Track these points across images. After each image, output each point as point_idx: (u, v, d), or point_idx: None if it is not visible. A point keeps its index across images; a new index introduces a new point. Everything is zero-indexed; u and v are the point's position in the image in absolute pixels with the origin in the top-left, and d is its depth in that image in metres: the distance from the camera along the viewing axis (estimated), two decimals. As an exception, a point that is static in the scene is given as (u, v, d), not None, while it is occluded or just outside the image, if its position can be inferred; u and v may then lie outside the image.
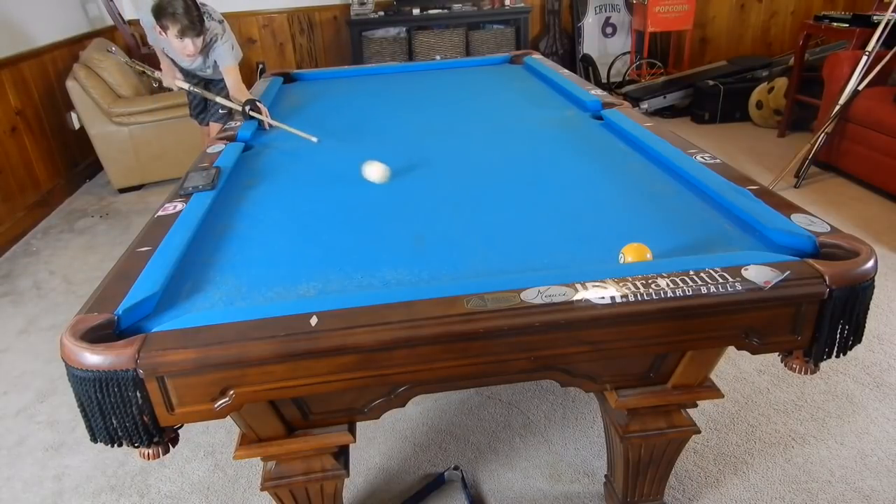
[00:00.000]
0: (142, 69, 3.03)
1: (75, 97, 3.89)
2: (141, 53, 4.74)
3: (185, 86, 2.92)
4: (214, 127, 3.19)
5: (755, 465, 1.77)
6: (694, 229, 1.30)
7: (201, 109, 3.27)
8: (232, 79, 2.72)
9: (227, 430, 2.00)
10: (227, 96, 2.68)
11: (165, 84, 2.99)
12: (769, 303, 1.03)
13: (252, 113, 2.27)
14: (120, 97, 4.03)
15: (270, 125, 2.24)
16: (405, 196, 1.59)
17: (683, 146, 1.67)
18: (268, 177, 1.79)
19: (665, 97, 4.91)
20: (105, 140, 4.03)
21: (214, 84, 3.09)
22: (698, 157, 1.57)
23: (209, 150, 1.93)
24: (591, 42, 5.61)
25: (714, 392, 1.33)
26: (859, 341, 1.10)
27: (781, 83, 4.48)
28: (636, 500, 1.57)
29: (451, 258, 1.25)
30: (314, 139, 2.04)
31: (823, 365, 1.39)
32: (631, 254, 1.15)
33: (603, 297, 1.00)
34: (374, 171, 1.63)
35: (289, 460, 1.28)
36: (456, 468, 1.77)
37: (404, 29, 5.34)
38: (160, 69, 3.04)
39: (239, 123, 2.25)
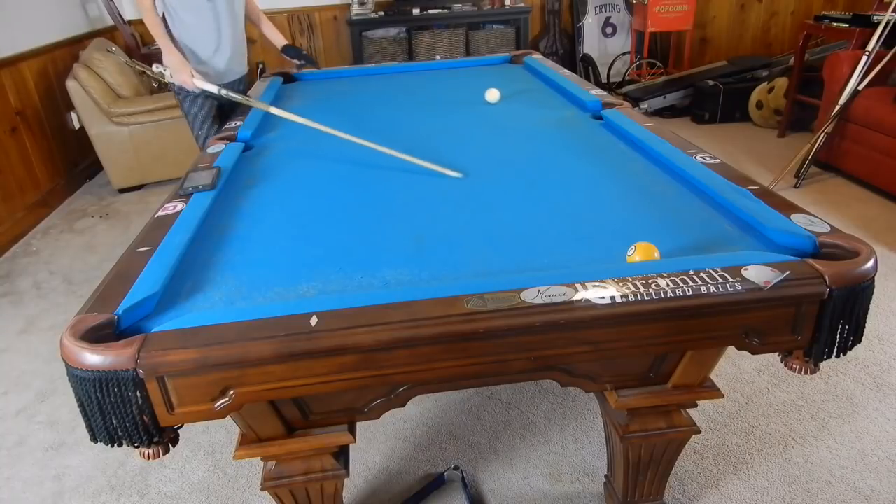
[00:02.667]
0: (142, 69, 2.97)
1: (75, 97, 3.89)
2: (141, 53, 4.74)
3: (203, 86, 2.52)
4: None
5: (755, 465, 1.77)
6: (694, 229, 1.30)
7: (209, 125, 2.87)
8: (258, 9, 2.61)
9: (227, 430, 2.00)
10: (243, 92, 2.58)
11: (189, 86, 2.72)
12: (769, 303, 1.03)
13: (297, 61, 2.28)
14: (120, 97, 4.03)
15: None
16: (405, 196, 1.59)
17: (683, 146, 1.66)
18: (268, 177, 1.79)
19: (665, 97, 4.91)
20: (105, 140, 4.03)
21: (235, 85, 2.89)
22: (698, 157, 1.57)
23: (209, 150, 1.93)
24: (591, 42, 5.61)
25: (714, 392, 1.33)
26: (859, 341, 1.10)
27: (781, 83, 4.48)
28: (636, 500, 1.57)
29: (452, 258, 1.25)
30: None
31: (823, 365, 1.39)
32: (640, 253, 1.15)
33: (603, 297, 1.00)
34: (494, 95, 2.29)
35: (289, 460, 1.28)
36: (456, 468, 1.77)
37: (404, 29, 5.34)
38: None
39: (239, 123, 2.24)
